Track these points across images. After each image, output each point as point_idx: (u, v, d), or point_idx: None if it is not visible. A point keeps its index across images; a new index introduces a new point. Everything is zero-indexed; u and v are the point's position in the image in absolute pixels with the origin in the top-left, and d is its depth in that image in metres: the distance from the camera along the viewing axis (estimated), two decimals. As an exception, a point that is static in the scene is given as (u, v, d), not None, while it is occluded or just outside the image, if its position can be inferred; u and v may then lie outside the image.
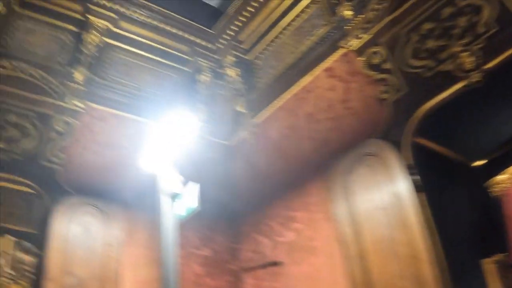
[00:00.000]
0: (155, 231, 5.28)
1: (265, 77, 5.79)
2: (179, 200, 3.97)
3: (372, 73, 4.56)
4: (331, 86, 4.92)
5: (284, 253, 5.58)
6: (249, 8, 5.70)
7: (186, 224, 4.04)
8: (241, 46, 5.93)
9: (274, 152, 5.69)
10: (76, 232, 5.15)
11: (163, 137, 4.03)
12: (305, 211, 5.43)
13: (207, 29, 5.91)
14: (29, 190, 5.08)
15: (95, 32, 5.39)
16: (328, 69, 4.88)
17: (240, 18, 5.82)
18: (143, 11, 5.60)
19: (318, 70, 4.97)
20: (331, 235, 4.92)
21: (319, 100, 5.03)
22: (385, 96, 4.52)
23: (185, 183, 3.99)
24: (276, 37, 5.71)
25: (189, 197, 3.98)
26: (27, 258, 8.60)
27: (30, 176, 4.85)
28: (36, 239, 5.27)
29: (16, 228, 8.58)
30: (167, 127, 3.99)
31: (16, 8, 5.25)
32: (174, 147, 4.10)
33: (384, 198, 4.44)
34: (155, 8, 5.65)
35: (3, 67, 4.99)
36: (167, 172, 4.05)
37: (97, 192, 5.14)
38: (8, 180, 4.93)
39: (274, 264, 5.60)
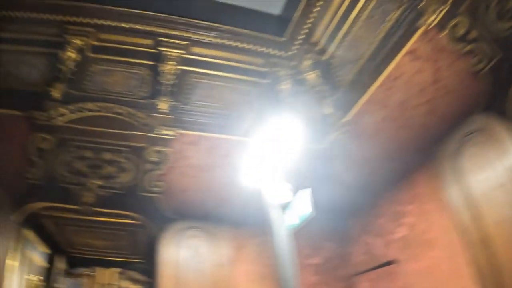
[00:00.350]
0: (264, 245, 5.21)
1: (346, 74, 5.63)
2: (289, 210, 3.83)
3: (458, 46, 4.28)
4: (418, 69, 4.69)
5: (397, 250, 5.32)
6: (314, 10, 5.59)
7: (295, 234, 3.90)
8: (315, 48, 5.80)
9: (371, 147, 5.48)
10: (185, 256, 5.17)
11: (261, 151, 3.93)
12: (415, 203, 5.16)
13: (277, 38, 5.80)
14: (133, 222, 5.17)
15: (170, 62, 5.47)
16: (410, 52, 4.66)
17: (308, 21, 5.71)
18: (211, 33, 5.62)
19: (400, 56, 4.75)
20: (447, 225, 4.63)
21: (408, 86, 4.80)
22: (478, 67, 4.22)
23: (293, 191, 3.85)
24: (348, 31, 5.55)
25: (300, 204, 3.84)
26: (134, 287, 8.72)
27: (132, 208, 4.93)
28: (144, 267, 5.30)
29: (122, 259, 8.83)
30: (263, 140, 3.89)
31: (90, 54, 5.48)
32: (275, 158, 3.99)
33: (500, 175, 4.08)
34: (222, 28, 5.67)
35: (90, 110, 5.14)
36: (273, 184, 3.95)
37: (201, 215, 5.14)
38: (110, 215, 5.02)
39: (389, 263, 5.35)
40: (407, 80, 4.80)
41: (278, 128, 3.87)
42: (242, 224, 5.23)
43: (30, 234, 5.76)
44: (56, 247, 7.61)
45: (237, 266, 5.25)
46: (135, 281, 8.83)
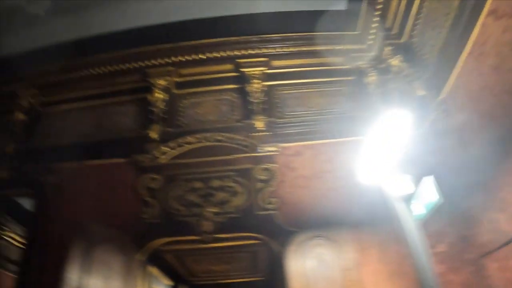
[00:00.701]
0: (387, 243, 5.02)
1: (429, 51, 5.43)
2: (414, 201, 3.66)
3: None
4: (505, 28, 4.44)
5: (526, 223, 4.97)
6: (381, -5, 5.43)
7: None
8: (390, 33, 5.64)
9: (474, 120, 5.21)
10: (311, 266, 5.04)
11: (370, 146, 3.81)
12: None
13: (351, 33, 5.72)
14: (253, 242, 5.11)
15: (255, 81, 5.50)
16: (491, 12, 4.41)
17: (376, 7, 5.57)
18: (286, 43, 5.62)
19: (482, 18, 4.50)
20: None
21: (499, 47, 4.55)
22: None
23: (415, 181, 3.69)
24: (420, 7, 5.36)
25: (425, 193, 3.67)
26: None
27: (251, 229, 4.87)
28: (265, 285, 5.22)
29: (242, 279, 8.84)
30: (370, 136, 3.78)
31: (176, 91, 5.55)
32: (387, 151, 3.87)
33: None
34: (295, 36, 5.68)
35: (190, 143, 5.21)
36: (391, 177, 3.81)
37: (320, 222, 5.01)
38: (230, 239, 5.01)
39: (515, 239, 5.00)
40: (496, 42, 4.55)
41: (382, 121, 3.74)
42: (362, 225, 5.07)
43: (154, 270, 5.84)
44: (178, 278, 7.73)
45: (364, 268, 5.07)
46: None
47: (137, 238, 4.82)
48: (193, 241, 4.99)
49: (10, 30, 6.32)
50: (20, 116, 6.12)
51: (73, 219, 5.12)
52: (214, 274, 8.25)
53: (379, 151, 3.93)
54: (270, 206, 4.85)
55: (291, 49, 5.62)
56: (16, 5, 6.05)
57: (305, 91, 5.56)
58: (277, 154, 5.05)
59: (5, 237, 7.13)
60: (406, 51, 5.49)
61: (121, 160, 5.42)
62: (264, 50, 5.57)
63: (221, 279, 8.66)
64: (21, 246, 6.73)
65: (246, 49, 5.61)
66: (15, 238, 7.20)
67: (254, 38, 5.57)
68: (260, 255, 6.77)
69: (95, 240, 4.92)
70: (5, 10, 6.09)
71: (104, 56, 5.90)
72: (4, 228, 7.02)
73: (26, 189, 5.76)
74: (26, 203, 6.57)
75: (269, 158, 5.03)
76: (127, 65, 5.83)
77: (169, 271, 7.16)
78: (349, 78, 5.69)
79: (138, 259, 4.85)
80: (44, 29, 6.15)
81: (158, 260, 6.00)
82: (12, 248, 7.26)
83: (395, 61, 5.53)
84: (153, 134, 5.34)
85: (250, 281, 8.70)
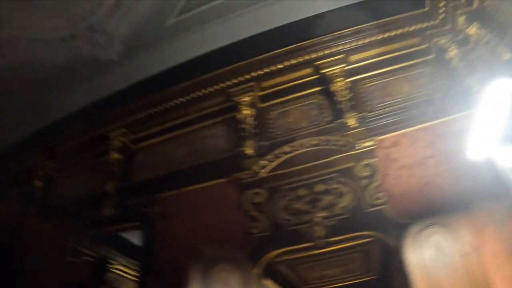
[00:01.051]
0: (505, 220, 4.88)
1: (505, 11, 5.27)
2: None
3: None
4: None
5: None
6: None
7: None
8: (460, 1, 5.48)
9: None
10: (430, 256, 4.93)
11: (473, 121, 3.72)
12: None
13: (421, 11, 5.60)
14: (365, 240, 5.09)
15: (337, 79, 5.50)
16: None
17: (440, -22, 5.43)
18: (359, 36, 5.60)
19: None
20: None
21: None
22: None
23: None
24: (485, -36, 5.19)
25: None
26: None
27: (362, 227, 4.82)
28: (378, 283, 5.16)
29: (353, 281, 8.84)
30: (469, 111, 3.68)
31: (261, 105, 5.71)
32: (493, 123, 3.78)
33: None
34: (365, 27, 5.62)
35: (287, 153, 5.39)
36: (501, 149, 3.72)
37: (431, 210, 4.91)
38: (342, 241, 5.00)
39: None
40: None
41: (479, 92, 3.66)
42: (475, 205, 4.97)
43: (268, 282, 5.96)
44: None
45: (483, 250, 4.92)
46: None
47: (250, 253, 4.89)
48: (305, 249, 5.02)
49: (89, 78, 6.62)
50: (115, 155, 6.42)
51: (185, 244, 5.28)
52: (327, 279, 8.28)
53: (483, 124, 3.86)
54: (378, 202, 4.81)
55: (365, 41, 5.57)
56: (89, 55, 6.32)
57: (389, 80, 5.49)
58: (375, 148, 5.01)
59: (114, 270, 7.43)
60: (481, 16, 5.32)
61: (221, 180, 5.57)
62: (339, 47, 5.57)
63: (334, 284, 8.68)
64: (131, 277, 7.07)
65: (321, 50, 5.61)
66: (123, 270, 7.51)
67: (326, 37, 5.58)
68: (373, 254, 6.74)
69: (211, 261, 5.04)
70: (80, 61, 6.39)
71: (184, 85, 6.08)
72: (113, 261, 7.33)
73: (132, 222, 6.03)
74: (129, 235, 6.82)
75: (368, 154, 5.00)
76: (209, 89, 6.00)
77: (283, 282, 7.26)
78: (430, 57, 5.58)
79: (254, 274, 4.94)
80: (121, 71, 6.39)
81: (271, 272, 6.12)
82: (122, 280, 7.58)
83: (472, 30, 5.38)
84: (249, 150, 5.45)
85: (363, 281, 8.66)
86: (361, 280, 8.68)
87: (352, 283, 8.77)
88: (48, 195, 7.48)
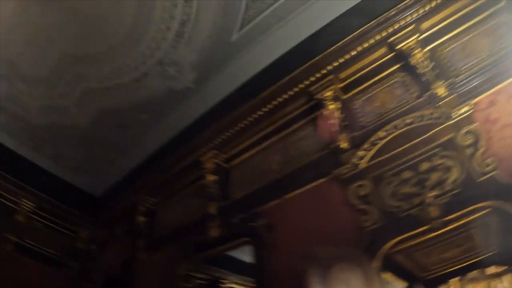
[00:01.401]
0: None
1: None
2: None
3: None
4: None
5: None
6: None
7: None
8: None
9: None
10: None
11: None
12: None
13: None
14: (483, 213, 4.88)
15: (415, 52, 5.37)
16: None
17: None
18: (422, 2, 5.37)
19: None
20: None
21: None
22: None
23: None
24: None
25: None
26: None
27: (478, 199, 4.57)
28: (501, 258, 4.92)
29: (471, 261, 8.59)
30: None
31: (344, 96, 6.00)
32: None
33: None
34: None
35: (382, 138, 5.30)
36: None
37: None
38: (458, 218, 4.82)
39: None
40: None
41: None
42: None
43: (387, 275, 5.95)
44: (411, 277, 7.75)
45: None
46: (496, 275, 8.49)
47: (366, 248, 4.89)
48: (421, 233, 4.92)
49: (170, 109, 6.89)
50: (211, 177, 6.70)
51: (298, 250, 5.42)
52: (445, 263, 8.10)
53: None
54: (488, 169, 4.63)
55: (431, 5, 5.36)
56: (165, 88, 6.56)
57: (467, 39, 5.27)
58: (472, 113, 4.84)
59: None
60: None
61: (322, 180, 5.66)
62: (407, 19, 5.40)
63: (452, 266, 8.47)
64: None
65: (390, 26, 5.50)
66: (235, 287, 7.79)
67: (392, 12, 5.43)
68: (492, 227, 6.56)
69: (327, 263, 5.10)
70: (156, 96, 6.64)
71: (264, 95, 6.20)
72: (225, 281, 7.62)
73: (239, 239, 6.21)
74: (235, 253, 7.08)
75: (466, 120, 4.84)
76: (289, 92, 6.07)
77: (401, 273, 7.20)
78: (501, 4, 5.30)
79: (373, 268, 4.92)
80: (199, 96, 6.63)
81: (389, 264, 6.08)
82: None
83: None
84: (343, 144, 5.47)
85: (481, 259, 8.38)
86: (482, 257, 8.41)
87: (468, 264, 8.52)
88: (152, 228, 7.92)
